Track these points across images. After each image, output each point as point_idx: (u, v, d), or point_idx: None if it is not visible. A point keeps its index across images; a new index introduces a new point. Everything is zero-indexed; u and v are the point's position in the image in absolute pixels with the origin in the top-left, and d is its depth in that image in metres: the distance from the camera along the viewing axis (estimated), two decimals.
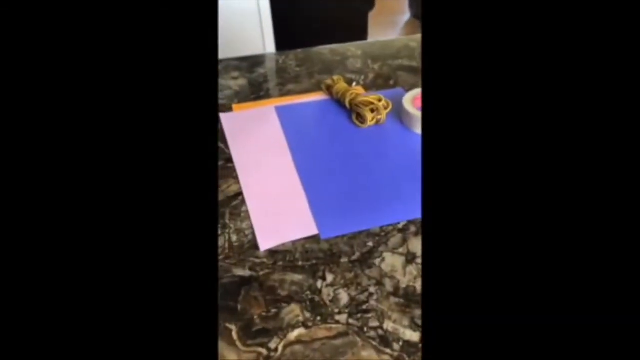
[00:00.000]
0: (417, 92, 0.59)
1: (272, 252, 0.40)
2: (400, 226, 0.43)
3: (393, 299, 0.36)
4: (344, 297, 0.36)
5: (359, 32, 1.52)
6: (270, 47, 1.23)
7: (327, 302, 0.36)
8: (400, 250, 0.40)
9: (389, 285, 0.37)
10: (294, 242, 0.41)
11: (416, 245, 0.41)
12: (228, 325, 0.34)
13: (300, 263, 0.39)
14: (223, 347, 0.33)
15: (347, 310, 0.35)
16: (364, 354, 0.32)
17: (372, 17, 1.49)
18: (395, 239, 0.41)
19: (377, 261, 0.39)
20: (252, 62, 0.72)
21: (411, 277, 0.38)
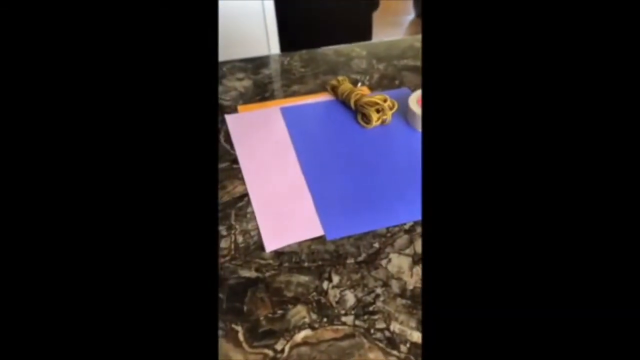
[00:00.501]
0: None
1: (277, 253, 0.40)
2: (406, 227, 0.43)
3: (400, 300, 0.36)
4: (350, 298, 0.36)
5: (363, 32, 1.52)
6: (274, 48, 1.24)
7: (334, 304, 0.36)
8: (407, 251, 0.40)
9: (395, 286, 0.37)
10: (299, 243, 0.41)
11: None
12: (234, 326, 0.34)
13: (306, 264, 0.39)
14: (229, 348, 0.33)
15: (353, 312, 0.35)
16: (371, 355, 0.32)
17: (377, 17, 1.49)
18: (402, 239, 0.41)
19: (383, 262, 0.39)
20: (257, 64, 0.72)
21: (418, 278, 0.38)
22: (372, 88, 0.65)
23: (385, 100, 0.57)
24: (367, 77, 0.68)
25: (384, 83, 0.66)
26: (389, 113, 0.57)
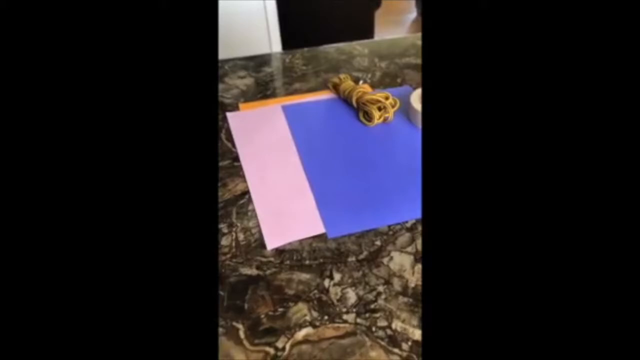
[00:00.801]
0: None
1: (279, 251, 0.40)
2: (408, 225, 0.42)
3: (402, 299, 0.36)
4: (351, 296, 0.36)
5: (365, 31, 1.51)
6: (276, 46, 1.23)
7: (335, 302, 0.36)
8: (409, 249, 0.40)
9: (397, 284, 0.37)
10: (300, 241, 0.41)
11: None
12: (235, 324, 0.34)
13: (307, 262, 0.39)
14: (230, 346, 0.33)
15: (355, 310, 0.35)
16: (373, 354, 0.32)
17: (379, 15, 1.48)
18: (404, 237, 0.41)
19: (385, 260, 0.39)
20: (259, 62, 0.72)
21: (419, 277, 0.37)
22: (373, 86, 0.65)
23: (387, 98, 0.57)
24: (369, 75, 0.67)
25: (386, 81, 0.66)
26: (391, 111, 0.56)
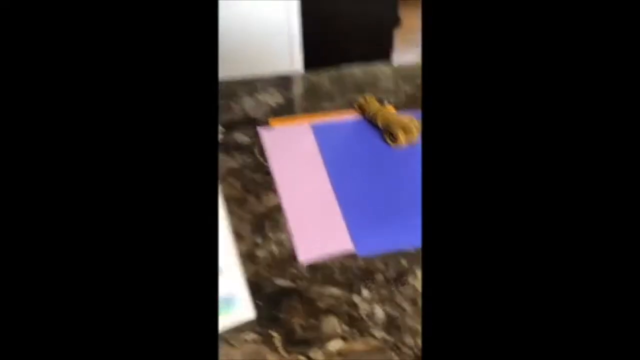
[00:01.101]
0: None
1: (311, 265, 0.42)
2: None
3: None
4: (379, 312, 0.38)
5: (385, 49, 1.55)
6: (298, 64, 1.27)
7: (364, 317, 0.38)
8: None
9: None
10: (331, 257, 0.43)
11: None
12: (271, 332, 0.36)
13: (337, 277, 0.41)
14: (267, 352, 0.35)
15: (383, 326, 0.37)
16: None
17: (398, 34, 1.52)
18: None
19: (411, 279, 0.41)
20: (288, 80, 0.75)
21: None
22: (397, 107, 0.67)
23: (412, 121, 0.59)
24: (394, 97, 0.70)
25: (411, 104, 0.69)
26: (416, 133, 0.59)
